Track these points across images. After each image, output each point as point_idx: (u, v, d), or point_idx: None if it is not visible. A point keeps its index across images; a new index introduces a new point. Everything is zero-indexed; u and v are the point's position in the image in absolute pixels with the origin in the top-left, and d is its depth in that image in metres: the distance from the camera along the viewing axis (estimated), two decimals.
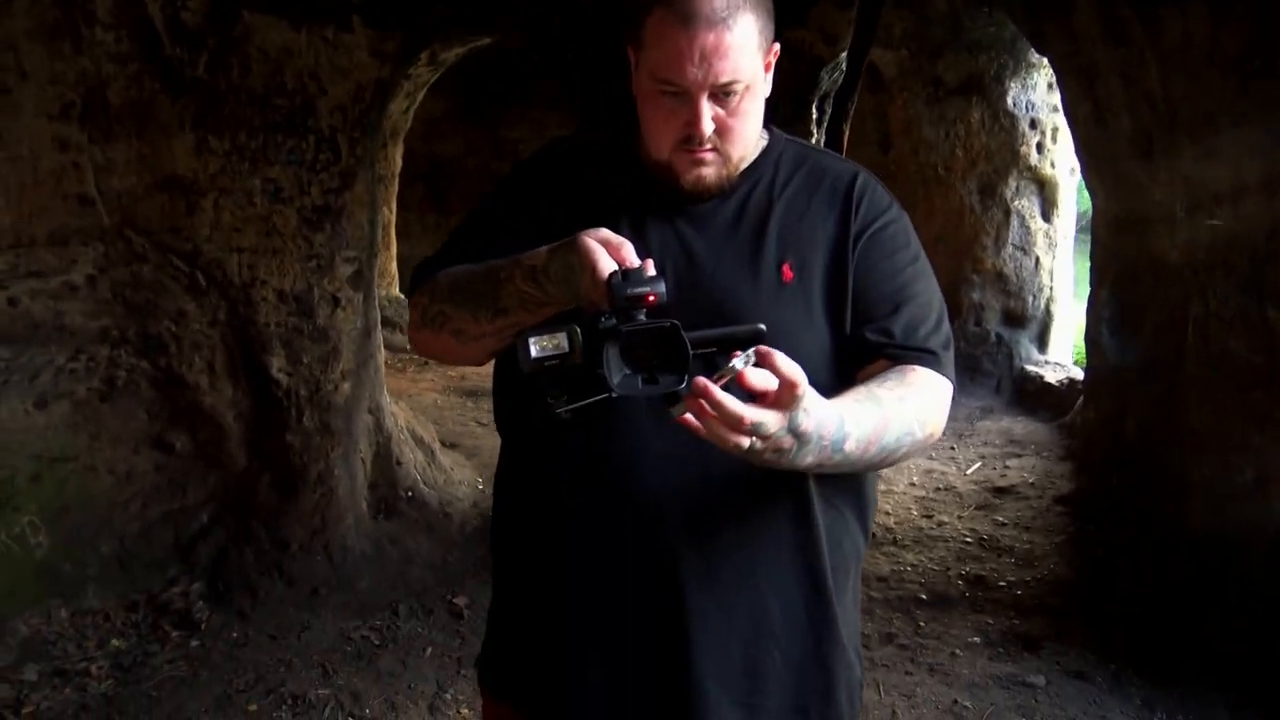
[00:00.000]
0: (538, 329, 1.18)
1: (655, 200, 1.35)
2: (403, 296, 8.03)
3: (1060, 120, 6.68)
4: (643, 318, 1.14)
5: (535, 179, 1.45)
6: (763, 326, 1.18)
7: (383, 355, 4.40)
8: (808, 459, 1.13)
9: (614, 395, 1.13)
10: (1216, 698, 3.19)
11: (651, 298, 1.13)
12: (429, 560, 4.07)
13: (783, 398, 1.06)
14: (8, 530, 3.43)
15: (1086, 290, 5.33)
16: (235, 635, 3.49)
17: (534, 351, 1.16)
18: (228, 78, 3.58)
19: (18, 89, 3.25)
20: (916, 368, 1.31)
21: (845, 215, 1.35)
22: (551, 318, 1.23)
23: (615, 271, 1.15)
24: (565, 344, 1.16)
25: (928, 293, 1.37)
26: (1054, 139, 6.89)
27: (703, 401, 1.05)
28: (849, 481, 1.37)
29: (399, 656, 3.44)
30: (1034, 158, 6.92)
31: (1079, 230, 7.56)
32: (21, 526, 3.46)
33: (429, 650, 3.49)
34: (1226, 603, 3.34)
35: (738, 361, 1.07)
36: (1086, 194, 5.50)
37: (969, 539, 4.48)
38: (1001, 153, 6.92)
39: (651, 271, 1.17)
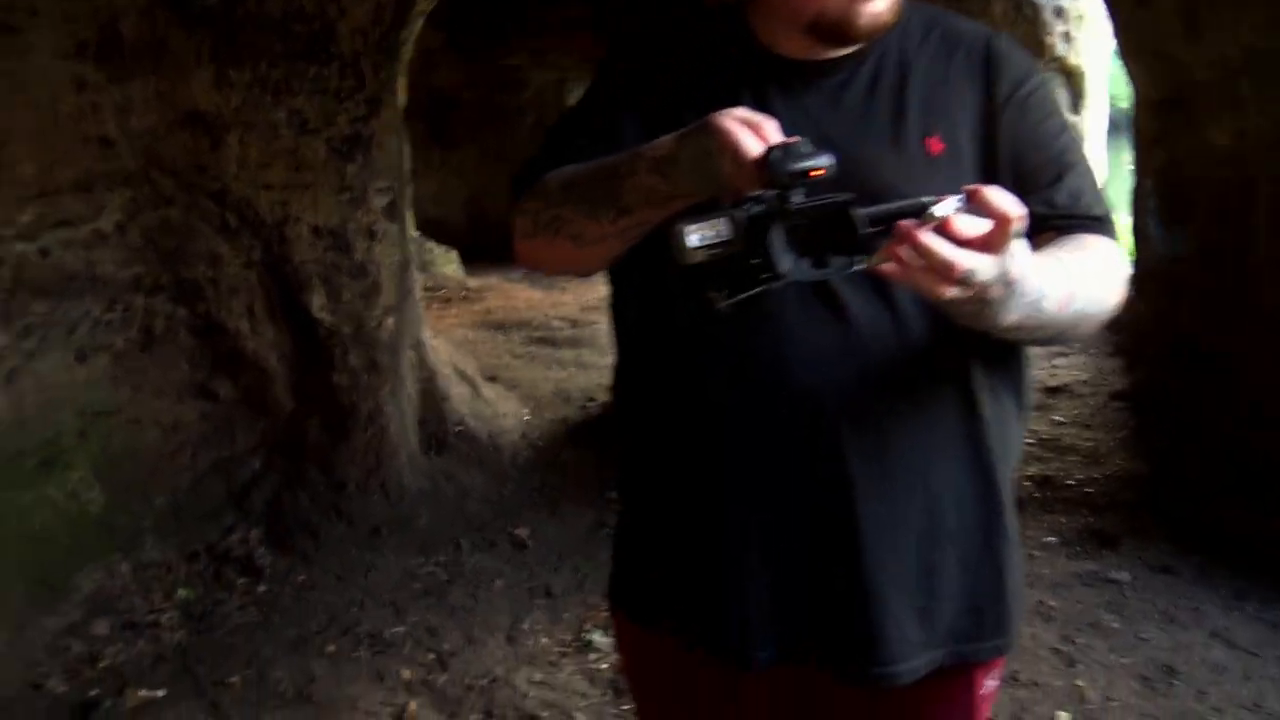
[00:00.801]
0: (693, 217, 1.06)
1: (776, 77, 1.24)
2: (417, 235, 7.90)
3: (1085, 7, 6.47)
4: (801, 197, 1.03)
5: (636, 63, 1.33)
6: (928, 199, 1.07)
7: (420, 289, 4.30)
8: (1011, 315, 1.03)
9: (785, 281, 1.03)
10: None
11: (819, 171, 1.02)
12: (484, 494, 4.01)
13: (995, 238, 0.97)
14: (60, 487, 3.35)
15: (1118, 183, 5.18)
16: (301, 578, 3.43)
17: (693, 241, 1.05)
18: (244, 5, 3.42)
19: (30, 29, 3.08)
20: (1088, 235, 1.21)
21: (988, 81, 1.24)
22: (688, 209, 1.12)
23: (774, 147, 1.03)
24: (726, 231, 1.04)
25: (1083, 159, 1.27)
26: (1080, 28, 6.68)
27: (903, 250, 0.96)
28: (1009, 368, 1.28)
29: (469, 590, 3.39)
30: (1060, 48, 6.71)
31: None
32: (73, 483, 3.38)
33: (498, 582, 3.44)
34: None
35: (942, 207, 0.97)
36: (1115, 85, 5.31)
37: (1030, 440, 4.40)
38: (1026, 44, 6.69)
39: (806, 143, 1.05)
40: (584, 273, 1.33)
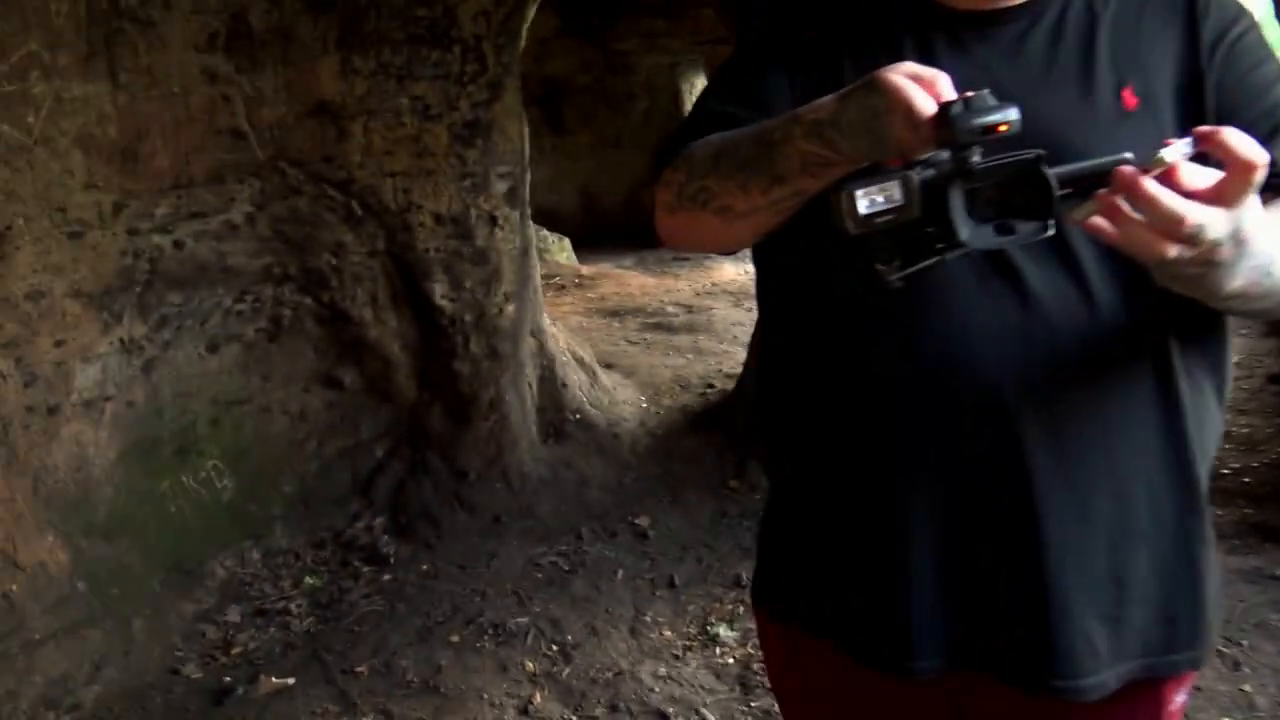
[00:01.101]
0: (862, 180, 0.95)
1: (943, 27, 1.13)
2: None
3: None
4: (979, 157, 0.92)
5: (784, 18, 1.22)
6: (1126, 155, 0.95)
7: (539, 276, 4.27)
8: (1236, 280, 0.91)
9: (964, 250, 0.93)
10: None
11: (1005, 126, 0.90)
12: (604, 482, 3.96)
13: (1231, 188, 0.85)
14: (194, 475, 3.42)
15: None
16: (425, 567, 3.44)
17: (864, 207, 0.94)
18: None
19: (163, 20, 3.14)
20: None
21: (1191, 25, 1.11)
22: (851, 174, 1.01)
23: (952, 102, 0.92)
24: (899, 194, 0.94)
25: None
26: None
27: (1122, 201, 0.85)
28: (1210, 347, 1.14)
29: (591, 581, 3.34)
30: None
31: None
32: (206, 470, 3.46)
33: (619, 573, 3.39)
34: None
35: (1170, 152, 0.85)
36: None
37: None
38: None
39: (989, 94, 0.94)
40: (731, 250, 1.23)
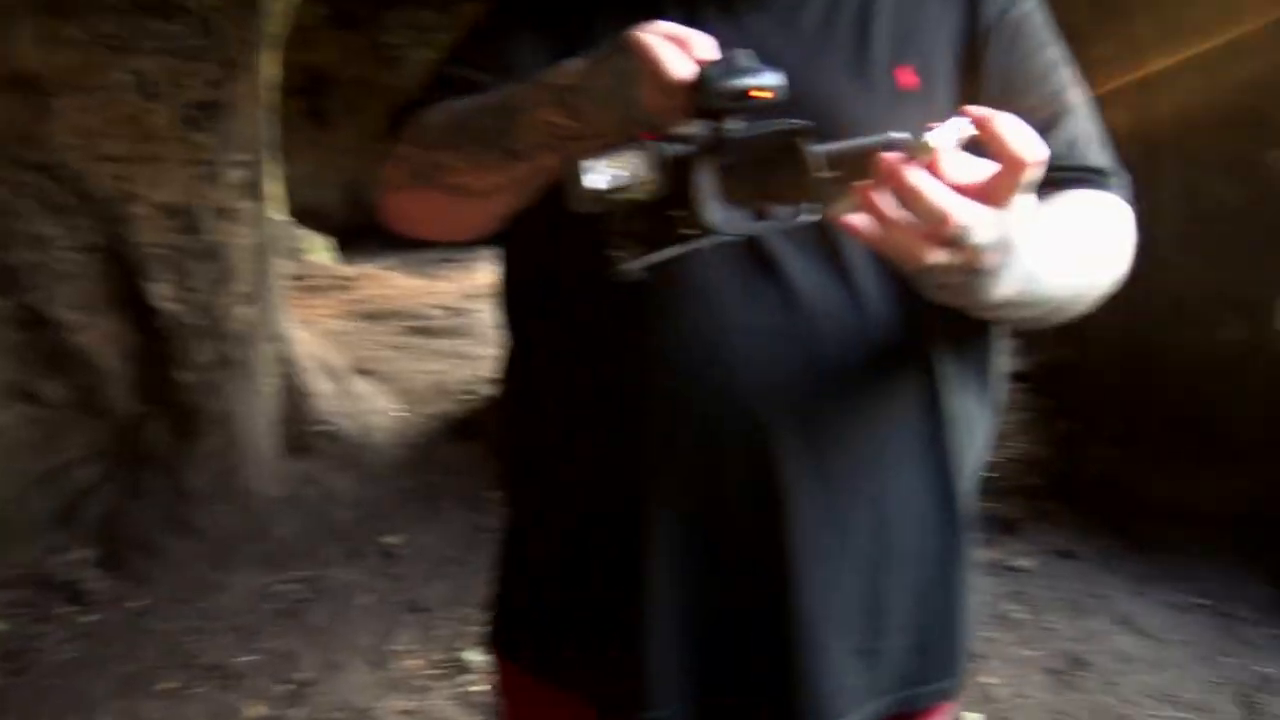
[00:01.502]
0: (596, 152, 0.81)
1: None
2: (286, 220, 7.45)
3: None
4: (739, 126, 0.80)
5: None
6: (896, 135, 0.85)
7: (280, 280, 3.94)
8: (1003, 289, 0.81)
9: (713, 238, 0.81)
10: (1205, 563, 3.06)
11: (765, 93, 0.79)
12: (352, 499, 3.68)
13: (1002, 186, 0.75)
14: None
15: None
16: (136, 605, 3.06)
17: (595, 182, 0.80)
18: None
19: None
20: (1091, 192, 1.00)
21: (972, 3, 1.03)
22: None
23: (711, 63, 0.80)
24: (640, 169, 0.81)
25: (1083, 100, 1.06)
26: None
27: (877, 195, 0.74)
28: (979, 355, 1.05)
29: (331, 609, 3.07)
30: None
31: None
32: None
33: (364, 598, 3.13)
34: (1217, 470, 3.17)
35: (937, 136, 0.74)
36: None
37: None
38: None
39: (749, 56, 0.81)
40: (469, 236, 1.06)
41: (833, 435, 0.97)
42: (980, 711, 2.55)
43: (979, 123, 0.73)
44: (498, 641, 1.18)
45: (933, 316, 0.95)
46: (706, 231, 0.80)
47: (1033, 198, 0.78)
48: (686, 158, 0.80)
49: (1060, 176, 0.98)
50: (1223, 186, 3.11)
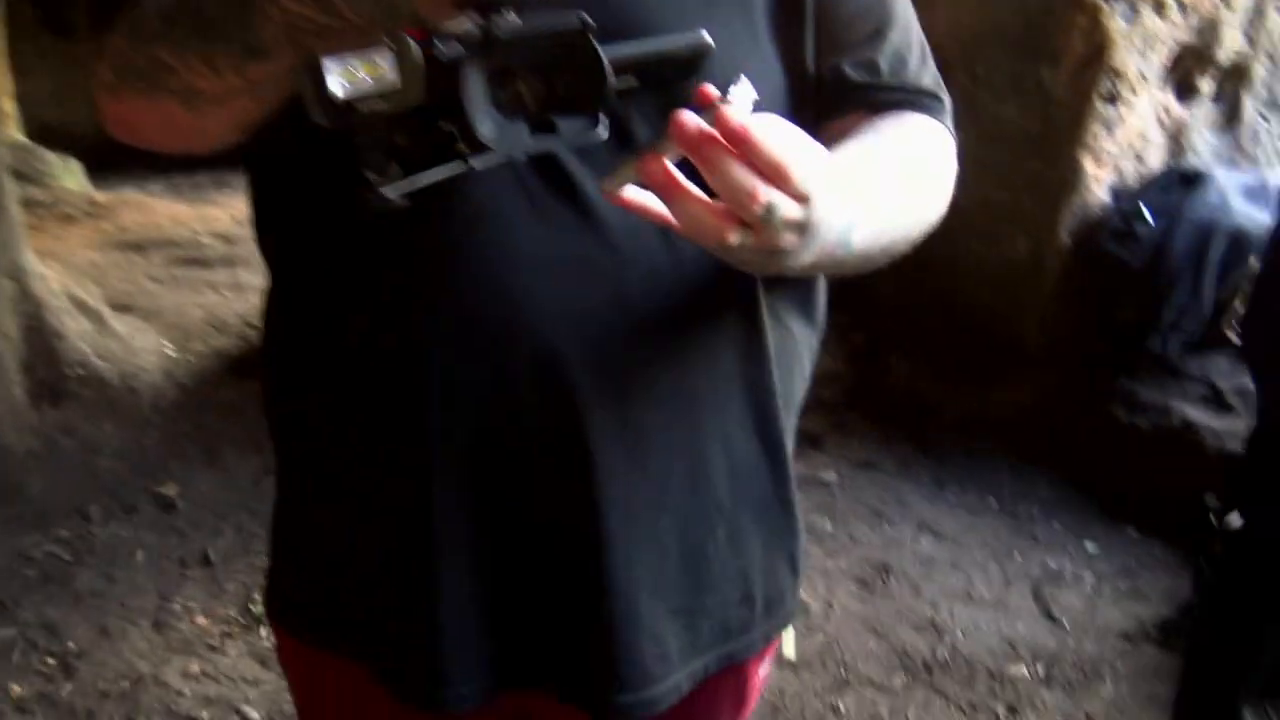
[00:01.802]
0: (344, 52, 0.66)
1: None
2: (25, 141, 6.68)
3: None
4: (513, 21, 0.67)
5: None
6: (707, 37, 0.74)
7: (17, 208, 3.48)
8: (804, 260, 0.72)
9: (488, 157, 0.69)
10: (1002, 464, 3.21)
11: None
12: (120, 448, 3.33)
13: (797, 162, 0.66)
14: None
15: None
16: None
17: (338, 87, 0.65)
18: None
19: None
20: (914, 117, 0.91)
21: None
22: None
23: None
24: (392, 72, 0.66)
25: (906, 10, 0.96)
26: None
27: (668, 166, 0.66)
28: (799, 285, 0.96)
29: (101, 570, 2.77)
30: None
31: None
32: None
33: (140, 555, 2.85)
34: (1005, 377, 3.31)
35: (741, 91, 0.65)
36: None
37: None
38: None
39: None
40: (205, 148, 0.87)
41: (642, 378, 0.87)
42: (792, 626, 2.58)
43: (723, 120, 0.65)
44: (274, 609, 1.05)
45: None
46: (479, 149, 0.68)
47: (829, 157, 0.70)
48: (454, 60, 0.66)
49: (882, 99, 0.91)
50: (1007, 105, 3.19)
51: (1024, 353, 3.31)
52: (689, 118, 0.63)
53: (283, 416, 0.98)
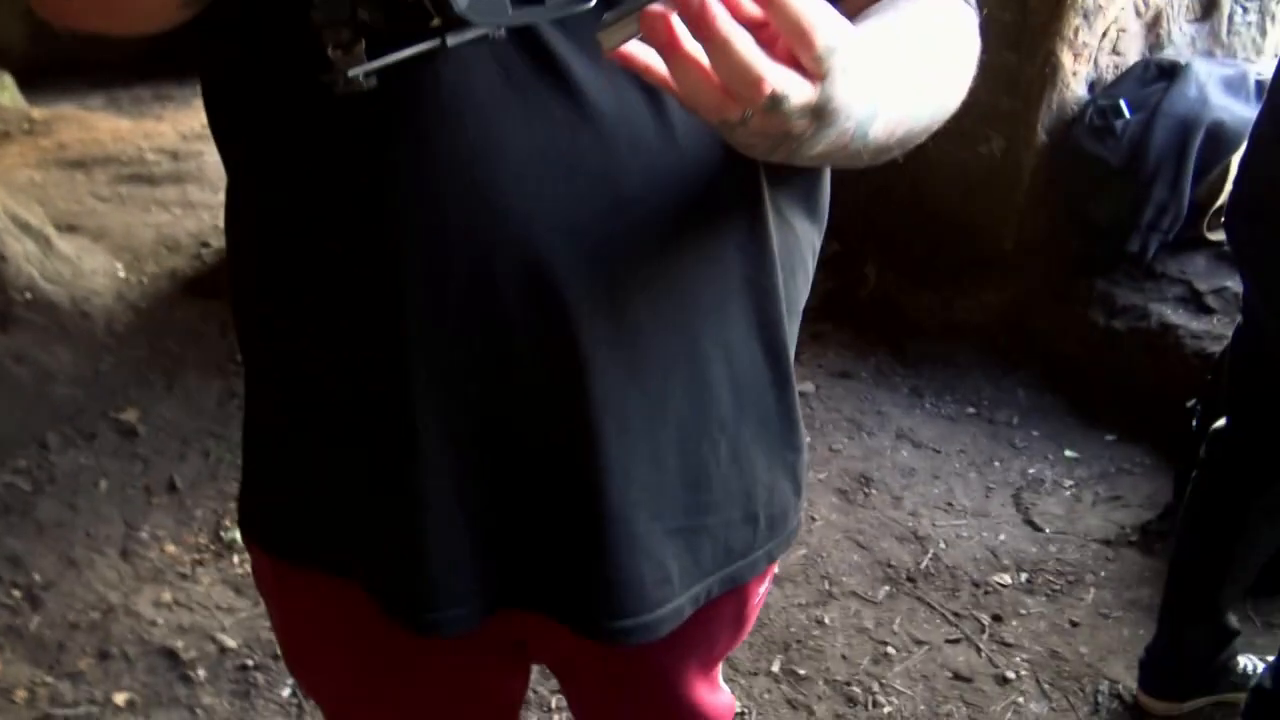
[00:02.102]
0: None
1: None
2: None
3: None
4: None
5: None
6: None
7: None
8: (818, 147, 0.65)
9: (466, 35, 0.63)
10: (979, 371, 3.19)
11: None
12: (74, 374, 3.21)
13: (822, 27, 0.58)
14: None
15: None
16: None
17: None
18: None
19: None
20: None
21: None
22: None
23: None
24: None
25: None
26: None
27: (679, 33, 0.56)
28: (804, 179, 0.89)
29: (64, 500, 2.69)
30: None
31: None
32: None
33: (103, 484, 2.76)
34: (981, 282, 3.27)
35: None
36: None
37: None
38: None
39: None
40: (145, 25, 0.76)
41: (639, 284, 0.80)
42: None
43: None
44: (249, 528, 0.99)
45: None
46: (454, 22, 0.60)
47: (855, 35, 0.62)
48: None
49: None
50: (991, 3, 3.08)
51: (1000, 256, 3.26)
52: None
53: (250, 327, 0.91)
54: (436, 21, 0.61)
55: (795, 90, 0.58)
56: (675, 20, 0.55)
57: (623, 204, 0.76)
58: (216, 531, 2.59)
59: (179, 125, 5.91)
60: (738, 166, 0.79)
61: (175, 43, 0.80)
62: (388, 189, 0.75)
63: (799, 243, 0.91)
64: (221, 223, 0.93)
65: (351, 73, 0.61)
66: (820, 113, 0.60)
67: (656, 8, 0.55)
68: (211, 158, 5.41)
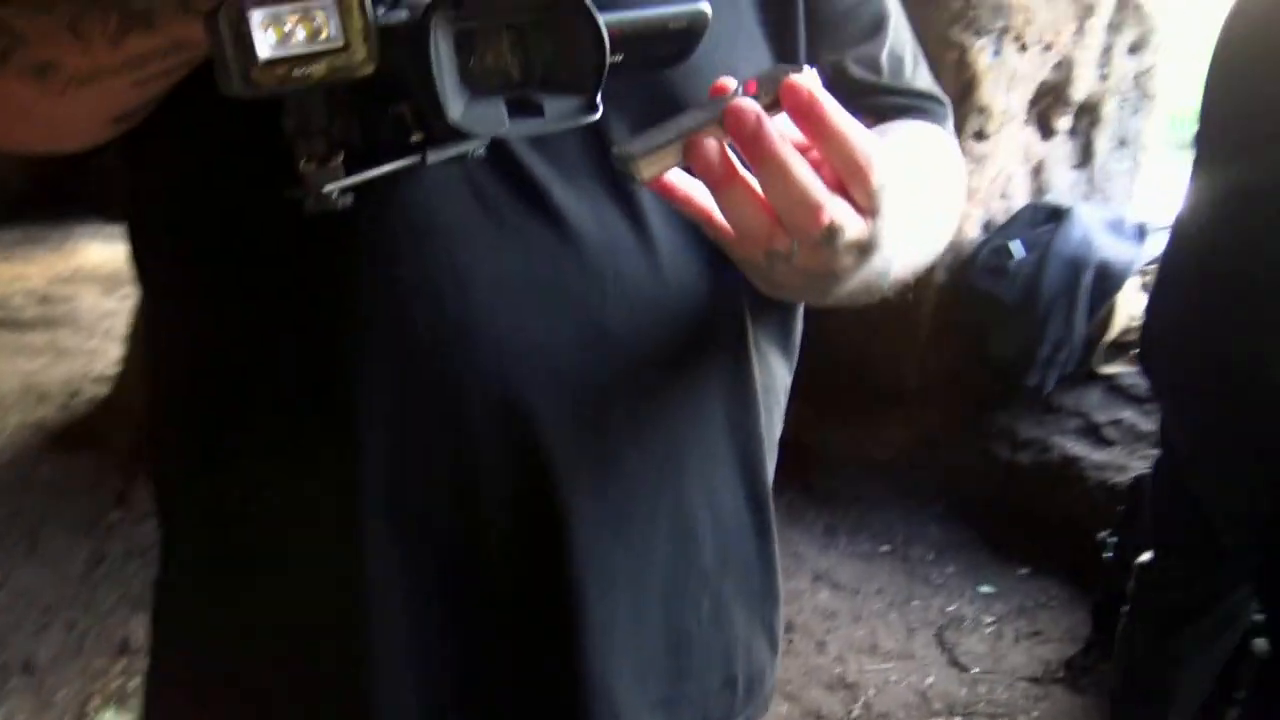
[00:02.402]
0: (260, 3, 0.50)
1: None
2: None
3: None
4: None
5: None
6: (707, 7, 0.60)
7: None
8: (850, 286, 0.60)
9: (463, 140, 0.58)
10: (892, 508, 3.17)
11: None
12: None
13: (877, 162, 0.54)
14: None
15: None
16: None
17: (265, 43, 0.50)
18: None
19: None
20: (922, 123, 0.82)
21: None
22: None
23: None
24: (335, 28, 0.51)
25: (896, 3, 0.86)
26: None
27: (734, 162, 0.53)
28: (783, 314, 0.85)
29: None
30: None
31: None
32: None
33: None
34: (887, 418, 3.28)
35: (809, 76, 0.53)
36: None
37: None
38: None
39: None
40: (66, 142, 0.68)
41: (623, 428, 0.73)
42: None
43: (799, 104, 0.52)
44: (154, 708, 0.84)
45: (738, 271, 0.74)
46: (438, 136, 0.55)
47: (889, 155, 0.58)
48: (415, 16, 0.52)
49: (886, 103, 0.81)
50: None
51: (905, 392, 3.29)
52: (743, 104, 0.51)
53: (172, 474, 0.80)
54: (418, 135, 0.55)
55: (851, 223, 0.53)
56: (720, 150, 0.51)
57: (606, 338, 0.69)
58: (80, 716, 2.33)
59: (50, 269, 5.67)
60: (723, 300, 0.74)
61: (81, 168, 0.71)
62: (348, 316, 0.67)
63: (775, 382, 0.86)
64: (94, 370, 0.81)
65: (326, 189, 0.54)
66: (866, 249, 0.55)
67: (707, 138, 0.50)
68: (86, 302, 5.17)
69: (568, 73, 0.54)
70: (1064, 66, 3.14)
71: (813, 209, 0.51)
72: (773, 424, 0.85)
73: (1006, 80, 3.01)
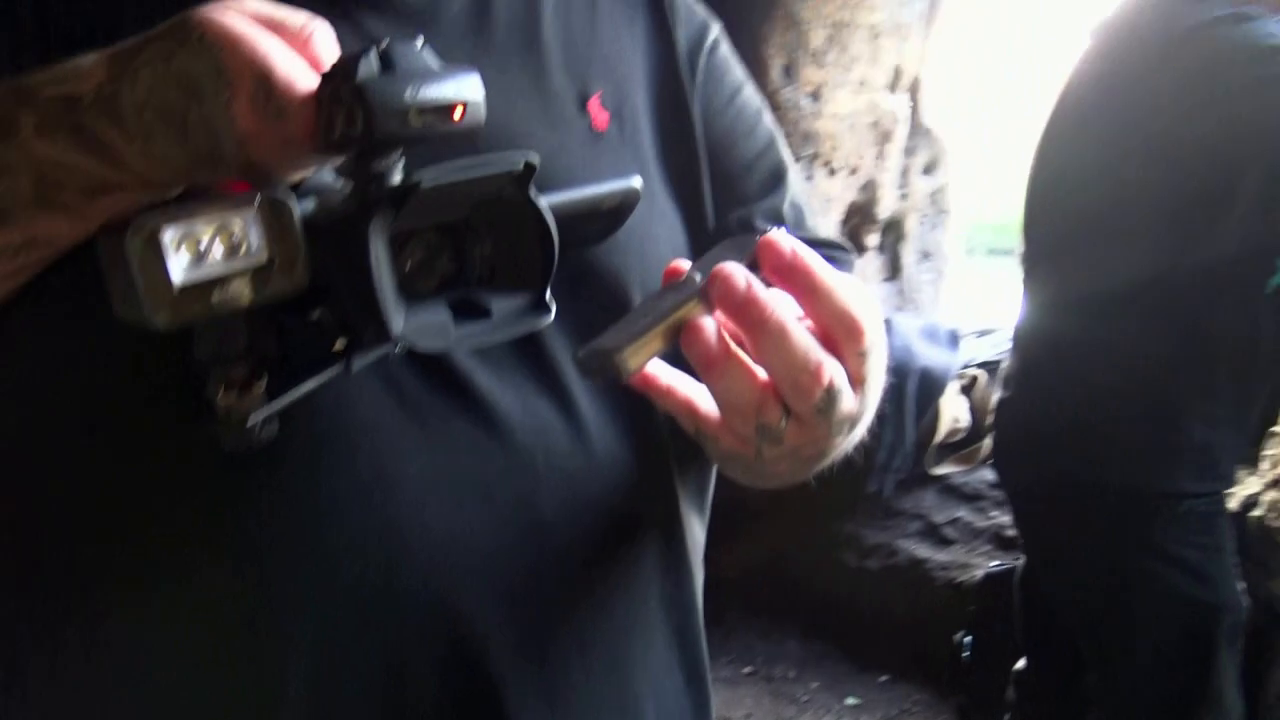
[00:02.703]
0: (173, 209, 0.45)
1: None
2: None
3: None
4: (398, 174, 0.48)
5: None
6: (638, 183, 0.60)
7: None
8: (836, 452, 0.61)
9: (367, 354, 0.52)
10: (749, 627, 3.13)
11: (459, 109, 0.47)
12: None
13: (868, 320, 0.53)
14: None
15: None
16: None
17: (178, 268, 0.44)
18: None
19: None
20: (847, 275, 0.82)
21: (660, 23, 0.79)
22: (159, 205, 0.47)
23: (353, 58, 0.46)
24: (258, 240, 0.45)
25: (788, 153, 0.87)
26: None
27: (719, 337, 0.50)
28: (701, 478, 0.82)
29: None
30: None
31: None
32: None
33: None
34: (734, 536, 3.28)
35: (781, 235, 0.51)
36: None
37: None
38: None
39: (425, 49, 0.49)
40: None
41: (562, 623, 0.68)
42: None
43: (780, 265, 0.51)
44: None
45: (666, 447, 0.73)
46: (375, 342, 0.49)
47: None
48: (343, 221, 0.47)
49: None
50: None
51: (748, 508, 3.30)
52: (729, 269, 0.48)
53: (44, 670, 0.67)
54: (340, 342, 0.49)
55: (846, 387, 0.51)
56: (712, 322, 0.48)
57: (541, 528, 0.65)
58: None
59: None
60: (653, 470, 0.72)
61: None
62: (259, 529, 0.59)
63: (696, 545, 0.82)
64: None
65: (252, 422, 0.48)
66: (855, 420, 0.54)
67: (700, 319, 0.47)
68: None
69: (511, 267, 0.51)
70: (869, 188, 3.33)
71: (814, 370, 0.49)
72: (697, 581, 0.82)
73: (820, 203, 3.16)
